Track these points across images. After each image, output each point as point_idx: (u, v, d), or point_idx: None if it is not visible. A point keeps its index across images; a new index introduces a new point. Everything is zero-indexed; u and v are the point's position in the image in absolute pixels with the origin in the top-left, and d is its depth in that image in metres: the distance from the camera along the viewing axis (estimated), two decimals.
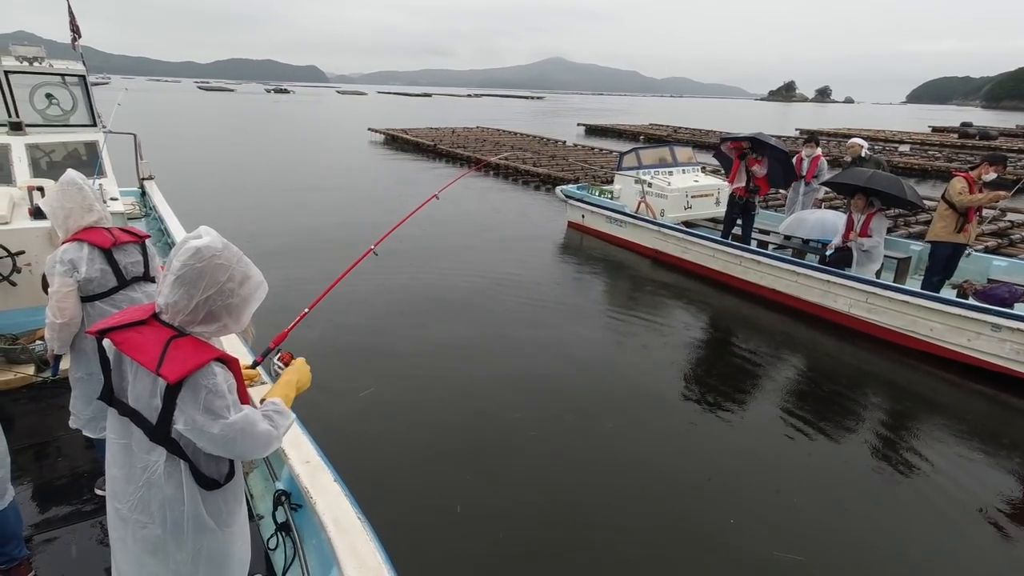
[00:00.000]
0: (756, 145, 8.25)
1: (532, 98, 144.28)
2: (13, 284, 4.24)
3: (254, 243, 9.27)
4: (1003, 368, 5.92)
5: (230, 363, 1.60)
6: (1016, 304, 6.18)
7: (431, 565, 3.48)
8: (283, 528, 2.81)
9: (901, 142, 32.08)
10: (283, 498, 2.81)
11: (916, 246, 8.26)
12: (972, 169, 6.67)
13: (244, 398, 1.65)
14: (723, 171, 9.31)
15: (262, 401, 1.80)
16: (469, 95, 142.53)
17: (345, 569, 1.97)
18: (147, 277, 2.97)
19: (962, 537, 3.90)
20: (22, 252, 4.24)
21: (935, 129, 45.72)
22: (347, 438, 4.60)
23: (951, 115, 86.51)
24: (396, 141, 27.76)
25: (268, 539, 2.86)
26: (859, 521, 3.97)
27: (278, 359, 2.23)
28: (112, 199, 5.28)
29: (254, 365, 2.22)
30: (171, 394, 1.50)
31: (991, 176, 6.41)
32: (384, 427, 4.85)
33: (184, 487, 1.61)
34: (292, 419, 1.78)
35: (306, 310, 2.54)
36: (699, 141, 30.05)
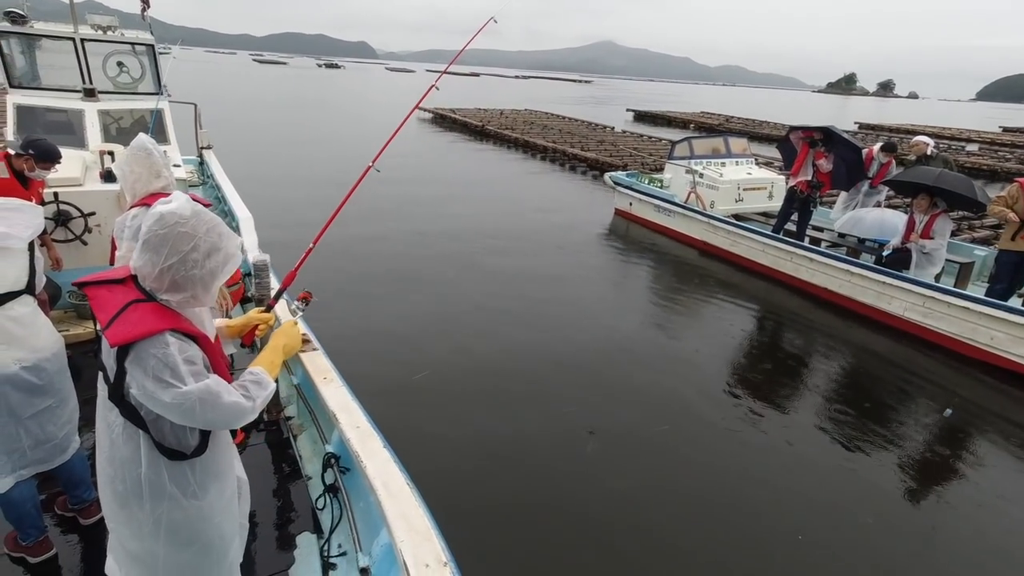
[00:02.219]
0: (827, 138, 7.93)
1: (580, 82, 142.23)
2: (84, 243, 4.47)
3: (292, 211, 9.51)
4: None
5: (197, 337, 1.58)
6: None
7: (479, 538, 3.55)
8: (331, 489, 2.92)
9: (969, 140, 30.43)
10: (333, 461, 2.91)
11: (981, 251, 7.88)
12: None
13: (219, 372, 1.64)
14: (784, 163, 8.98)
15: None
16: (517, 76, 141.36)
17: (395, 531, 2.04)
18: None
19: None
20: (93, 213, 4.45)
21: (1006, 129, 43.17)
22: (398, 415, 4.65)
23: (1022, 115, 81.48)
24: (444, 120, 27.85)
25: (316, 499, 2.98)
26: (909, 540, 3.87)
27: (298, 299, 2.27)
28: (175, 166, 5.48)
29: (267, 309, 2.19)
30: (121, 357, 1.50)
31: None
32: (434, 408, 4.95)
33: (142, 451, 1.60)
34: (271, 389, 1.76)
35: (311, 245, 2.52)
36: (752, 132, 29.17)
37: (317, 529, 2.86)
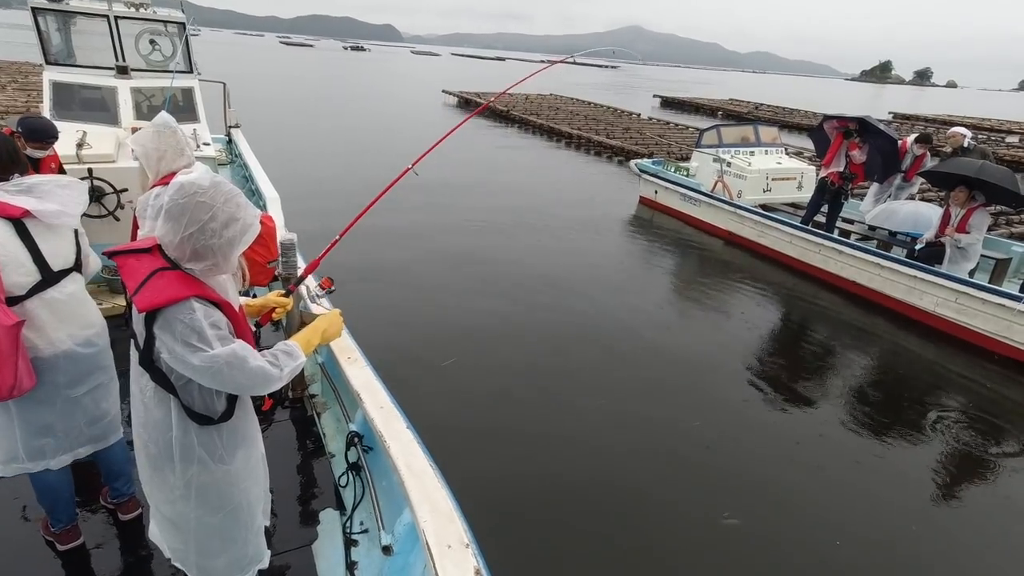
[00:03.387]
0: (863, 128, 7.71)
1: (607, 67, 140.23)
2: (117, 219, 4.55)
3: (320, 188, 9.57)
4: None
5: (221, 305, 1.63)
6: None
7: (500, 521, 3.57)
8: (354, 468, 2.96)
9: (1009, 132, 29.36)
10: (356, 439, 2.94)
11: (1018, 247, 7.64)
12: None
13: (244, 338, 1.69)
14: (816, 153, 8.75)
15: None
16: (543, 61, 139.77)
17: (418, 511, 2.06)
18: None
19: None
20: (125, 190, 4.53)
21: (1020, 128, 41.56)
22: (423, 398, 4.69)
23: None
24: (469, 105, 27.73)
25: (339, 477, 3.02)
26: (929, 546, 3.80)
27: (318, 285, 2.27)
28: (205, 144, 5.54)
29: (287, 293, 2.21)
30: (149, 323, 1.55)
31: None
32: (460, 391, 4.98)
33: (173, 415, 1.66)
34: (300, 361, 1.80)
35: (337, 237, 2.53)
36: (782, 120, 28.54)
37: (340, 506, 2.90)
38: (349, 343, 3.42)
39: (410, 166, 2.79)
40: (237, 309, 1.77)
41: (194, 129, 5.62)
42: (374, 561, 2.45)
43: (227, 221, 1.60)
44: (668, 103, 38.81)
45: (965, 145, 7.84)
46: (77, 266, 2.38)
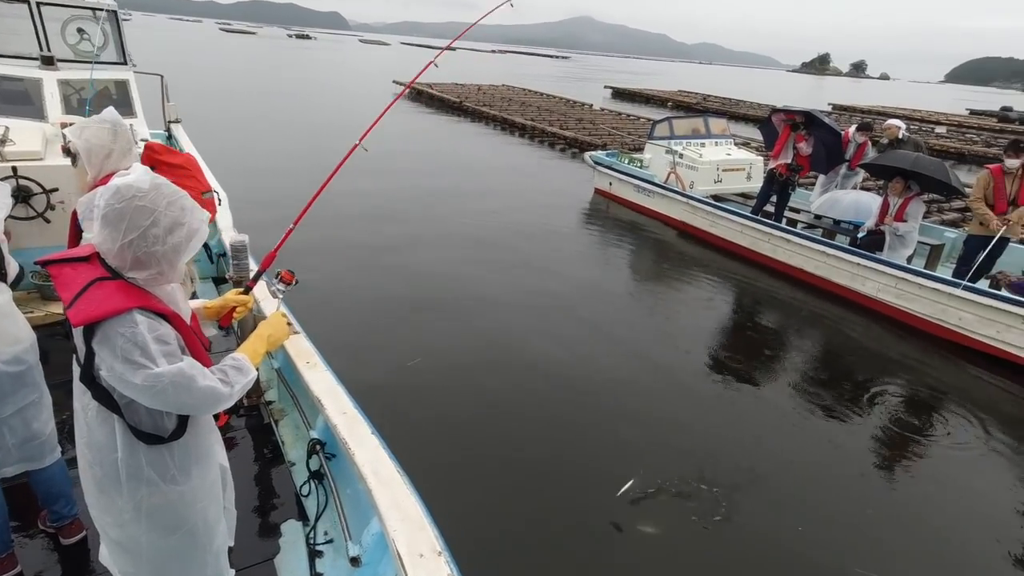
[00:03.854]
0: (809, 121, 7.97)
1: (558, 57, 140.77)
2: (47, 221, 4.26)
3: (266, 185, 9.26)
4: None
5: (169, 317, 1.52)
6: None
7: (472, 527, 3.53)
8: (316, 476, 2.87)
9: (937, 123, 31.06)
10: (318, 447, 2.86)
11: (950, 233, 8.08)
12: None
13: (196, 353, 1.59)
14: (765, 144, 9.01)
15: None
16: (494, 51, 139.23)
17: (387, 520, 2.01)
18: None
19: (977, 532, 3.91)
20: (55, 189, 4.24)
21: (973, 112, 44.14)
22: (390, 402, 4.56)
23: (991, 97, 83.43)
24: (421, 96, 27.32)
25: (301, 486, 2.93)
26: (862, 506, 3.99)
27: (278, 280, 2.18)
28: (143, 140, 5.24)
29: (246, 290, 2.09)
30: (87, 337, 1.45)
31: (1014, 163, 6.14)
32: (421, 390, 4.90)
33: (117, 435, 1.55)
34: (252, 376, 1.70)
35: (291, 226, 2.41)
36: (730, 111, 29.27)
37: (302, 516, 2.81)
38: (307, 346, 3.32)
39: (357, 142, 2.69)
40: (188, 320, 1.67)
41: (131, 125, 5.29)
42: (341, 572, 2.39)
43: (171, 226, 1.50)
44: (619, 94, 39.26)
45: (900, 136, 8.22)
46: (2, 275, 2.21)
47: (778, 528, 3.71)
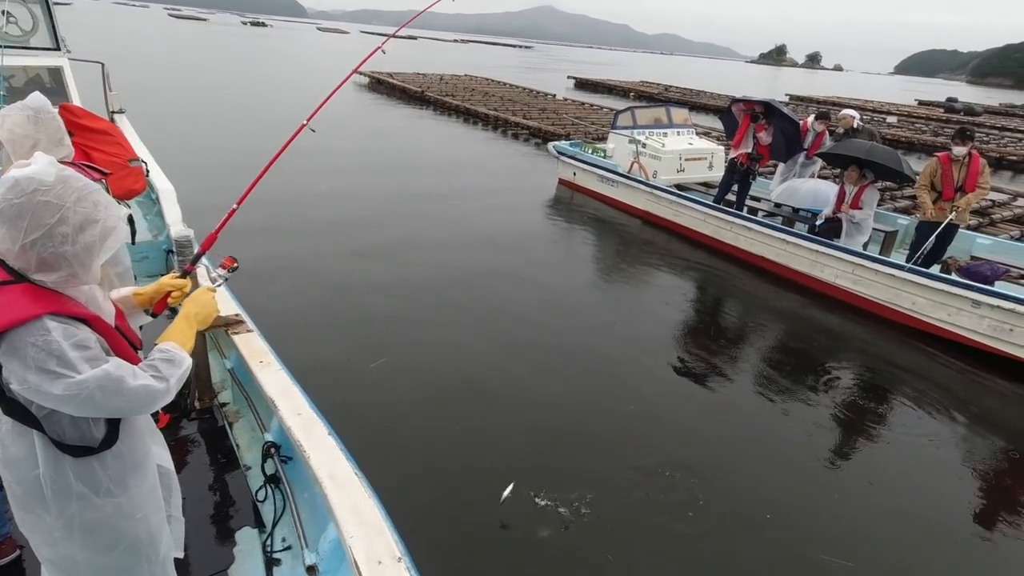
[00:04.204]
0: (768, 111, 8.06)
1: (521, 47, 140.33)
2: None
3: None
4: (979, 344, 6.04)
5: (89, 320, 1.39)
6: (996, 282, 6.28)
7: (432, 531, 3.45)
8: (272, 480, 2.75)
9: (889, 113, 32.07)
10: (272, 450, 2.74)
11: (903, 220, 8.32)
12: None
13: (122, 355, 1.47)
14: (726, 134, 9.10)
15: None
16: (456, 40, 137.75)
17: (343, 526, 1.92)
18: None
19: (927, 506, 4.02)
20: None
21: (921, 102, 45.75)
22: (348, 403, 4.41)
23: (937, 88, 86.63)
24: (382, 85, 26.84)
25: (256, 491, 2.81)
26: (815, 487, 4.07)
27: (220, 265, 2.05)
28: None
29: (184, 275, 1.92)
30: None
31: (961, 151, 6.32)
32: (391, 393, 4.78)
33: (37, 449, 1.42)
34: (187, 365, 1.56)
35: (234, 206, 2.27)
36: (690, 101, 29.61)
37: (259, 523, 2.69)
38: (260, 345, 3.18)
39: (304, 122, 2.54)
40: (112, 320, 1.53)
41: None
42: None
43: (82, 224, 1.35)
44: (582, 84, 39.31)
45: (855, 126, 8.41)
46: None
47: (746, 514, 3.75)
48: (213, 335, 3.91)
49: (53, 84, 5.60)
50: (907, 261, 6.72)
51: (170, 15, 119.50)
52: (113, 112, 7.55)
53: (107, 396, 1.34)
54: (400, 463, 3.87)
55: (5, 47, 5.52)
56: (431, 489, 3.71)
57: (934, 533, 3.81)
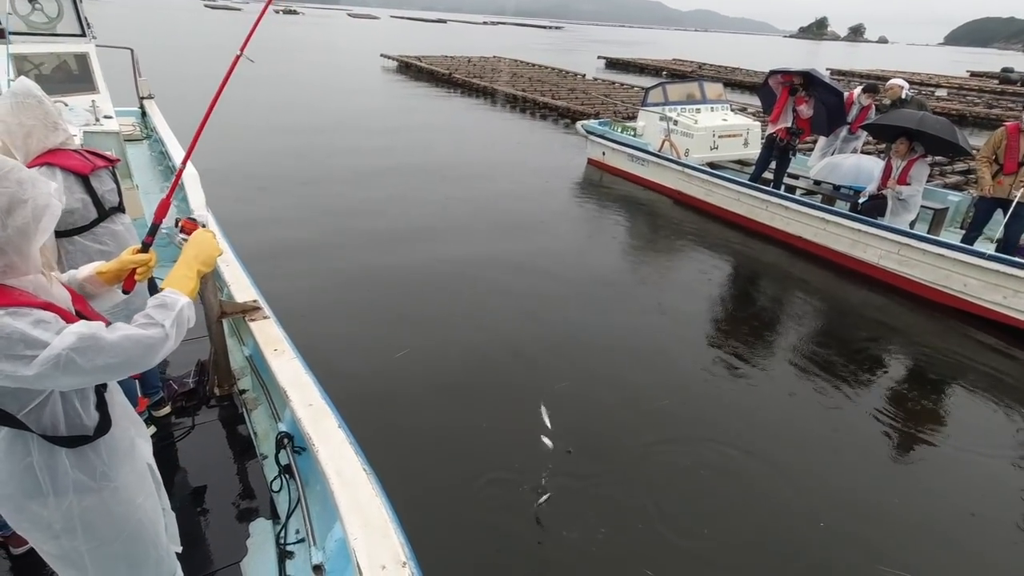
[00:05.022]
0: (808, 82, 7.62)
1: (551, 27, 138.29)
2: None
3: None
4: None
5: (42, 308, 1.26)
6: None
7: (448, 535, 3.36)
8: (286, 471, 2.69)
9: (938, 86, 30.49)
10: (286, 440, 2.67)
11: (954, 197, 7.82)
12: None
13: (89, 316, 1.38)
14: (763, 109, 8.66)
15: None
16: (485, 22, 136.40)
17: (348, 526, 1.82)
18: (121, 207, 2.71)
19: (990, 505, 3.75)
20: None
21: (973, 74, 43.35)
22: (377, 399, 4.33)
23: (991, 59, 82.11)
24: (409, 69, 26.73)
25: (272, 481, 2.75)
26: (870, 483, 3.83)
27: (180, 231, 1.91)
28: (107, 117, 4.95)
29: (144, 248, 1.78)
30: None
31: None
32: (403, 379, 4.69)
33: (20, 445, 1.37)
34: (182, 308, 1.43)
35: (180, 165, 2.14)
36: (725, 79, 28.65)
37: (273, 514, 2.64)
38: (276, 332, 3.12)
39: (239, 53, 2.38)
40: (70, 307, 1.42)
41: (92, 100, 5.00)
42: None
43: (8, 206, 1.24)
44: (613, 64, 38.48)
45: (903, 96, 7.91)
46: None
47: (787, 511, 3.56)
48: (233, 321, 3.88)
49: (79, 70, 5.62)
50: (963, 241, 6.28)
51: (206, 6, 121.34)
52: (143, 98, 7.62)
53: (89, 356, 1.23)
54: (418, 460, 3.77)
55: (32, 34, 5.59)
56: (450, 489, 3.57)
57: (999, 537, 3.55)
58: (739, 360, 5.16)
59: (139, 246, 1.72)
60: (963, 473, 4.00)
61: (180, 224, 1.84)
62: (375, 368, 4.69)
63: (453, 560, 3.07)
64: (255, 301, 3.42)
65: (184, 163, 2.15)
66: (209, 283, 3.13)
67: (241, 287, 3.61)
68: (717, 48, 74.31)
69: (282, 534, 2.49)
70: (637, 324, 5.68)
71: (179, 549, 1.86)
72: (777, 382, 4.89)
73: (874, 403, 4.69)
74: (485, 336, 5.26)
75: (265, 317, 3.30)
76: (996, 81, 36.00)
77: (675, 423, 4.27)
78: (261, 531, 2.56)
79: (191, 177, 5.04)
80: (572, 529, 3.31)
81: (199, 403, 3.37)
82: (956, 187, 8.91)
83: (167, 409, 3.22)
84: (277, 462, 2.72)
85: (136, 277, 1.70)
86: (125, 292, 1.72)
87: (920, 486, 3.87)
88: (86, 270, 1.67)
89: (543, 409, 3.72)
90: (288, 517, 2.56)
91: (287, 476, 2.69)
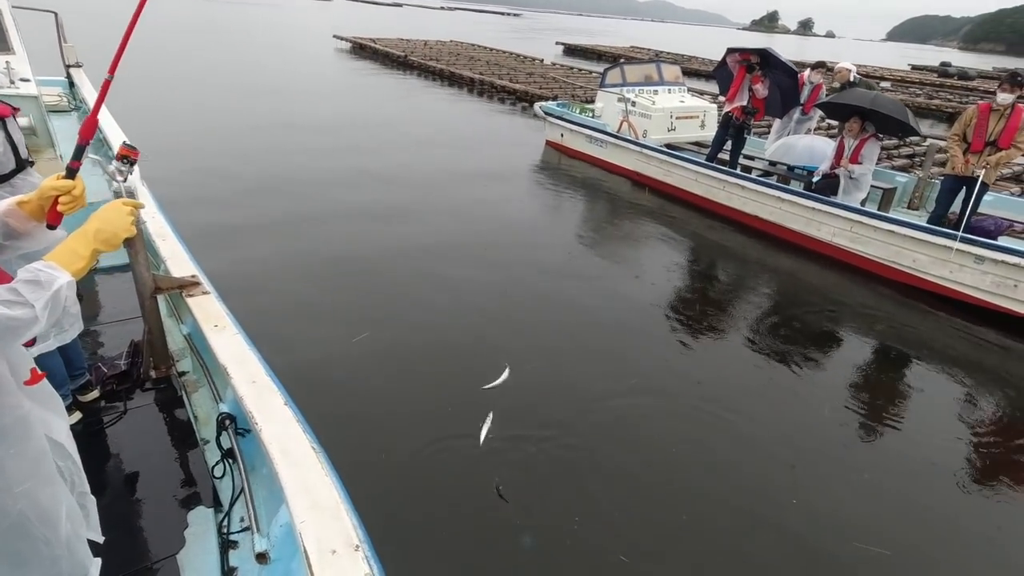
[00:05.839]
0: (765, 60, 7.67)
1: (509, 14, 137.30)
2: None
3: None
4: (981, 301, 5.84)
5: None
6: (1000, 237, 6.05)
7: (409, 517, 3.20)
8: (229, 455, 2.48)
9: (882, 78, 31.58)
10: (227, 422, 2.46)
11: (901, 178, 8.04)
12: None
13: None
14: (720, 88, 8.70)
15: None
16: (442, 8, 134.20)
17: (294, 508, 1.65)
18: (30, 162, 2.46)
19: (931, 472, 3.83)
20: None
21: (914, 67, 45.15)
22: (322, 380, 4.12)
23: (930, 55, 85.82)
24: (364, 50, 26.00)
25: (213, 467, 2.53)
26: (821, 456, 3.87)
27: (115, 157, 1.66)
28: (23, 80, 4.51)
29: (69, 173, 1.50)
30: None
31: (1007, 98, 5.74)
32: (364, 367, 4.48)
33: None
34: (59, 285, 1.22)
35: (108, 76, 1.88)
36: (681, 67, 28.89)
37: (216, 502, 2.43)
38: (217, 308, 2.88)
39: (108, 76, 2.07)
40: None
41: (7, 62, 4.54)
42: (251, 569, 2.03)
43: None
44: (571, 50, 38.41)
45: (851, 79, 8.06)
46: None
47: (748, 491, 3.54)
48: (170, 299, 3.61)
49: None
50: (929, 221, 6.42)
51: None
52: (70, 66, 7.04)
53: None
54: (373, 441, 3.60)
55: None
56: (404, 466, 3.43)
57: (940, 502, 3.63)
58: (693, 342, 5.15)
59: (63, 173, 1.46)
60: (908, 439, 4.09)
61: (118, 153, 1.58)
62: (330, 350, 4.48)
63: (412, 541, 2.92)
64: (194, 276, 3.17)
65: (112, 71, 1.82)
66: (141, 256, 2.87)
67: (178, 262, 3.34)
68: (673, 38, 75.19)
69: (225, 523, 2.29)
70: (597, 305, 5.61)
71: (100, 539, 1.65)
72: (735, 362, 4.90)
73: (824, 376, 4.76)
74: (433, 319, 5.08)
75: (205, 293, 3.05)
76: (936, 75, 37.56)
77: (627, 399, 4.22)
78: (201, 520, 2.35)
79: (110, 123, 4.65)
80: (533, 499, 3.21)
81: (133, 386, 3.10)
82: (903, 169, 9.17)
83: (95, 393, 2.94)
84: (219, 446, 2.50)
85: (60, 208, 1.44)
86: (50, 227, 1.47)
87: (870, 458, 3.93)
88: (6, 203, 1.42)
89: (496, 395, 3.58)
90: (231, 505, 2.35)
91: (230, 461, 2.48)
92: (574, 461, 3.56)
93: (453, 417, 3.83)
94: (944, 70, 38.42)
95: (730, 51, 8.09)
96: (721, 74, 8.38)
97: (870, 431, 4.16)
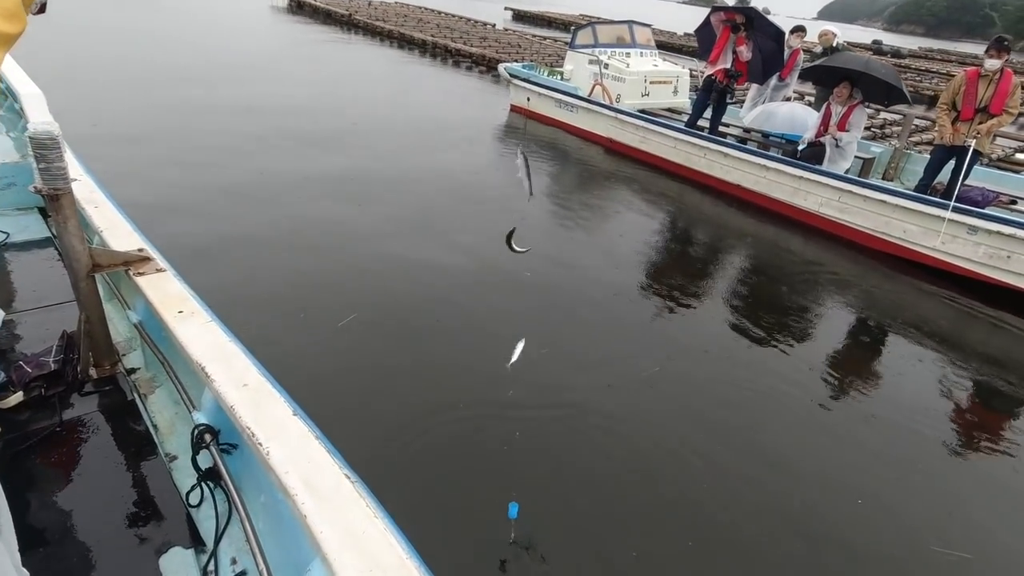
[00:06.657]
0: (750, 21, 7.29)
1: None
2: None
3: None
4: (972, 272, 5.79)
5: None
6: (988, 208, 6.01)
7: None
8: (210, 477, 1.92)
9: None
10: (208, 436, 1.89)
11: (876, 148, 7.96)
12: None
13: None
14: (701, 50, 8.25)
15: None
16: None
17: (335, 564, 1.16)
18: None
19: (917, 446, 3.66)
20: None
21: (849, 44, 46.49)
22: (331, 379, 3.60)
23: (857, 34, 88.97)
24: (303, 8, 24.27)
25: (188, 492, 1.96)
26: (805, 430, 3.65)
27: None
28: None
29: None
30: None
31: (994, 64, 5.60)
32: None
33: None
34: None
35: None
36: None
37: (194, 538, 1.87)
38: (178, 288, 2.29)
39: None
40: None
41: None
42: None
43: None
44: (520, 16, 37.39)
45: (835, 45, 7.87)
46: None
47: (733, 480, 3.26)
48: (110, 278, 2.93)
49: None
50: (916, 189, 6.30)
51: None
52: None
53: None
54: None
55: None
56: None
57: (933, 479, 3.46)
58: (673, 316, 4.84)
59: None
60: (895, 412, 3.91)
61: None
62: (312, 337, 3.91)
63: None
64: (142, 250, 2.53)
65: None
66: (71, 224, 2.22)
67: (120, 234, 2.69)
68: (616, 10, 74.76)
69: (211, 566, 1.76)
70: (574, 276, 5.18)
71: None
72: (715, 338, 4.58)
73: (808, 348, 4.55)
74: (405, 293, 4.58)
75: (160, 270, 2.43)
76: (870, 52, 38.83)
77: (601, 383, 3.85)
78: (177, 564, 1.79)
79: (33, 99, 3.84)
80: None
81: (68, 390, 2.44)
82: (873, 139, 9.17)
83: (18, 397, 2.28)
84: (195, 465, 1.93)
85: None
86: None
87: (852, 427, 3.72)
88: None
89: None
90: (217, 542, 1.81)
91: (210, 484, 1.92)
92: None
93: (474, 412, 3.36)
94: (878, 48, 39.66)
95: (715, 9, 7.70)
96: (703, 34, 7.97)
97: (847, 408, 3.97)
